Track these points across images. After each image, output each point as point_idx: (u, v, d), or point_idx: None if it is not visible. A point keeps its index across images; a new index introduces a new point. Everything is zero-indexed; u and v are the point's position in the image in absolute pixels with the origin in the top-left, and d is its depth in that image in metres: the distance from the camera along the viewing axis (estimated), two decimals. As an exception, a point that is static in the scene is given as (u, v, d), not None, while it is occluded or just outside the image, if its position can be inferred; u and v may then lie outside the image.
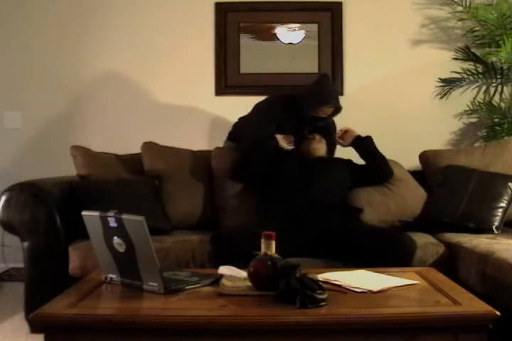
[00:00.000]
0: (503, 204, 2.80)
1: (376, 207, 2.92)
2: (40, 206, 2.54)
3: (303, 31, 3.70)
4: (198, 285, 1.81)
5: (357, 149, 2.98)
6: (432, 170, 3.12)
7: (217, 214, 2.95)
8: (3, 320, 2.71)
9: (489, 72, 3.55)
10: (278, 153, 2.89)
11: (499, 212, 2.78)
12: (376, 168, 2.95)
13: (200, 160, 3.09)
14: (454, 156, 3.12)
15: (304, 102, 2.94)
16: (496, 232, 2.73)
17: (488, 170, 2.97)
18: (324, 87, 2.97)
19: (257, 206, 2.86)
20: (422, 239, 2.63)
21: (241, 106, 3.65)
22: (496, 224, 2.75)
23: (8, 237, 2.87)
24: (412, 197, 2.98)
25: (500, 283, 2.09)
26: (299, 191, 2.72)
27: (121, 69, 3.69)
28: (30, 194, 2.55)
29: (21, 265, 2.63)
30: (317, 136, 2.96)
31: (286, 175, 2.81)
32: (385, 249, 2.31)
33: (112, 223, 1.73)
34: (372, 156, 2.95)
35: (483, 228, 2.73)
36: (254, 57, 3.71)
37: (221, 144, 3.17)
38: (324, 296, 1.60)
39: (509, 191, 2.83)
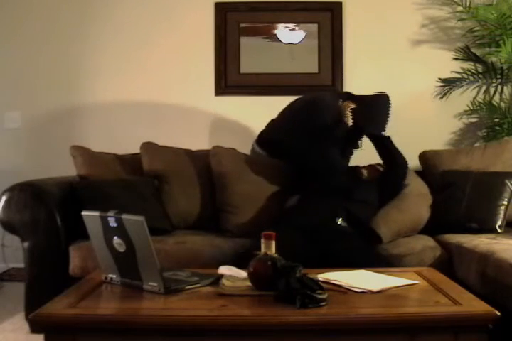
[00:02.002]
0: (504, 202, 2.80)
1: (392, 225, 2.76)
2: (40, 206, 2.54)
3: (303, 31, 3.70)
4: (198, 285, 1.81)
5: (376, 146, 2.94)
6: (431, 172, 3.11)
7: (217, 214, 2.95)
8: (3, 320, 2.71)
9: (489, 72, 3.55)
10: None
11: (501, 211, 2.78)
12: (391, 166, 2.90)
13: (200, 160, 3.09)
14: (454, 156, 3.12)
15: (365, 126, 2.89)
16: (499, 231, 2.72)
17: (489, 170, 2.97)
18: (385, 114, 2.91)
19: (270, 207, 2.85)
20: (420, 243, 2.63)
21: (241, 106, 3.67)
22: (499, 223, 2.75)
23: (8, 237, 2.87)
24: (427, 211, 2.89)
25: (500, 283, 2.09)
26: (335, 199, 2.68)
27: (121, 68, 3.69)
28: (30, 194, 2.55)
29: (21, 265, 2.63)
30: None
31: (332, 183, 2.78)
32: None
33: (112, 223, 1.73)
34: (389, 154, 2.91)
35: (485, 228, 2.73)
36: (254, 57, 3.71)
37: (221, 144, 3.16)
38: (324, 296, 1.60)
39: (508, 189, 2.82)
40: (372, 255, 2.50)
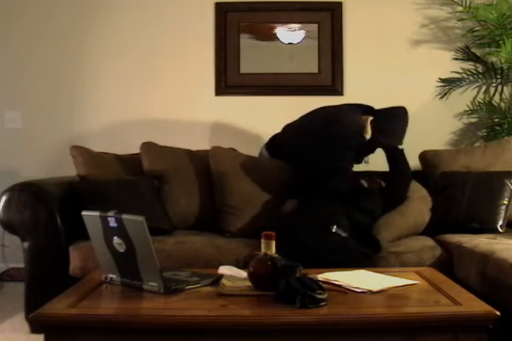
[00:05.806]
0: (504, 202, 2.80)
1: (394, 230, 2.75)
2: (40, 206, 2.54)
3: (303, 31, 3.70)
4: (198, 285, 1.81)
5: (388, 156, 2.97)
6: (431, 172, 3.10)
7: (217, 215, 2.95)
8: (3, 320, 2.71)
9: (489, 72, 3.55)
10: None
11: (502, 210, 2.78)
12: (392, 179, 2.93)
13: (200, 160, 3.09)
14: (454, 156, 3.12)
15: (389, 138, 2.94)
16: (500, 231, 2.73)
17: (489, 170, 2.96)
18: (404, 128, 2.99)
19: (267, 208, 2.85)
20: (419, 243, 2.63)
21: (241, 106, 3.67)
22: (500, 222, 2.75)
23: (8, 237, 2.87)
24: (428, 214, 2.89)
25: (500, 283, 2.09)
26: (335, 205, 2.69)
27: (121, 69, 3.69)
28: (30, 194, 2.55)
29: (21, 265, 2.63)
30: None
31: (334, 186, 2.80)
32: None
33: (112, 223, 1.74)
34: (395, 165, 2.94)
35: (486, 228, 2.72)
36: (254, 57, 3.71)
37: (221, 144, 3.16)
38: (324, 296, 1.60)
39: (508, 188, 2.82)
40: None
